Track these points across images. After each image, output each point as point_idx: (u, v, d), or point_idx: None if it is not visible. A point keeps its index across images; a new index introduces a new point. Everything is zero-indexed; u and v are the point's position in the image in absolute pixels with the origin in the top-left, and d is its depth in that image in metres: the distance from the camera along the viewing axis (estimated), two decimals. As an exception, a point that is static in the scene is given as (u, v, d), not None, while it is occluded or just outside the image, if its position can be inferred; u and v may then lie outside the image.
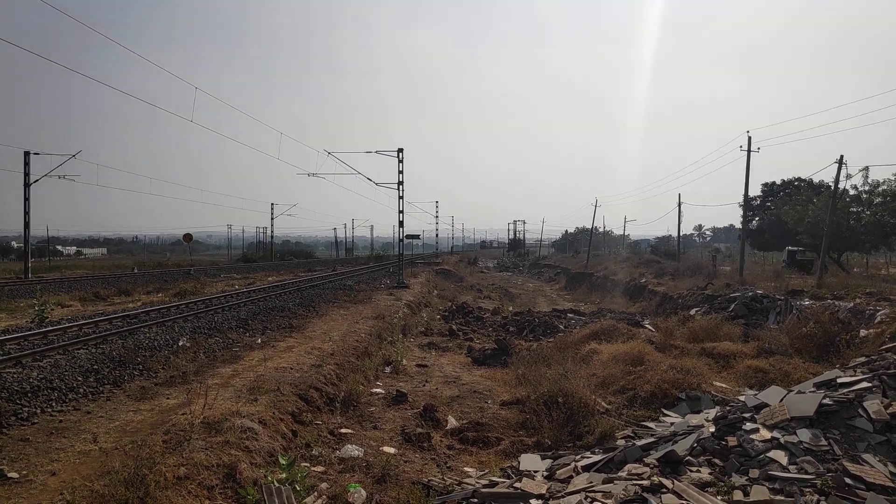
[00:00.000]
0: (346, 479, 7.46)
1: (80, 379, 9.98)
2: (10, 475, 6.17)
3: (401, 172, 34.09)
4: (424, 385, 13.26)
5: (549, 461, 7.50)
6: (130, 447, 6.70)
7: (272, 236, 79.23)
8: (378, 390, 12.40)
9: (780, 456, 5.85)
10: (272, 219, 73.92)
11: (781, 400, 6.95)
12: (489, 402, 11.96)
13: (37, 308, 17.06)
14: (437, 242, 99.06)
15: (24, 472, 6.28)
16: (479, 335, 20.92)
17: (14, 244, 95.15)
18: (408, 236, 45.18)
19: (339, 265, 59.96)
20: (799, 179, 48.92)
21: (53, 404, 8.75)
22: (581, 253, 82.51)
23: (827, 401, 6.53)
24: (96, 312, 19.34)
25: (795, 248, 38.31)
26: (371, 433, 9.74)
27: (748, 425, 6.61)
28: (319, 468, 7.84)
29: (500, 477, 7.21)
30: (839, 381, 7.25)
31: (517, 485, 6.20)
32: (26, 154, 35.14)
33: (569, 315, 25.48)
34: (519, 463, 7.63)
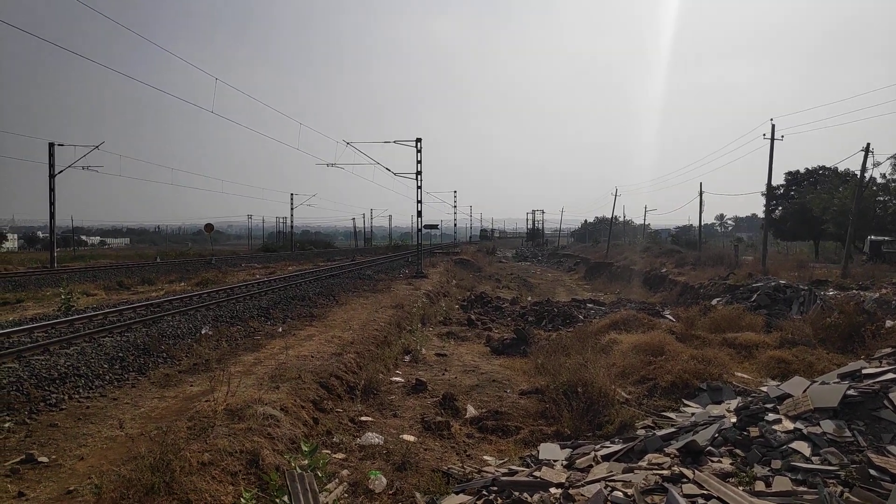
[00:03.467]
0: (367, 466, 7.53)
1: (105, 366, 10.18)
2: (40, 459, 6.33)
3: (419, 162, 34.08)
4: (444, 374, 13.30)
5: (568, 450, 7.50)
6: (156, 433, 6.83)
7: (292, 226, 79.72)
8: (398, 379, 12.47)
9: (803, 447, 5.80)
10: (292, 209, 74.40)
11: (805, 391, 6.87)
12: (508, 391, 11.98)
13: (63, 297, 17.39)
14: (455, 232, 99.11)
15: (54, 457, 6.44)
16: (497, 325, 20.92)
17: (40, 234, 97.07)
18: (426, 226, 45.24)
19: (358, 255, 60.25)
20: (823, 167, 48.04)
21: (80, 391, 8.94)
22: (600, 242, 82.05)
23: (851, 392, 6.45)
24: (120, 301, 19.66)
25: (881, 239, 34.73)
26: (391, 421, 9.81)
27: (770, 416, 6.55)
28: (340, 455, 7.93)
29: (519, 465, 7.23)
30: (864, 372, 7.15)
31: (537, 473, 6.21)
32: (51, 145, 35.64)
33: (588, 305, 25.38)
34: (538, 452, 7.64)
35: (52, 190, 35.75)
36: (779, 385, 7.74)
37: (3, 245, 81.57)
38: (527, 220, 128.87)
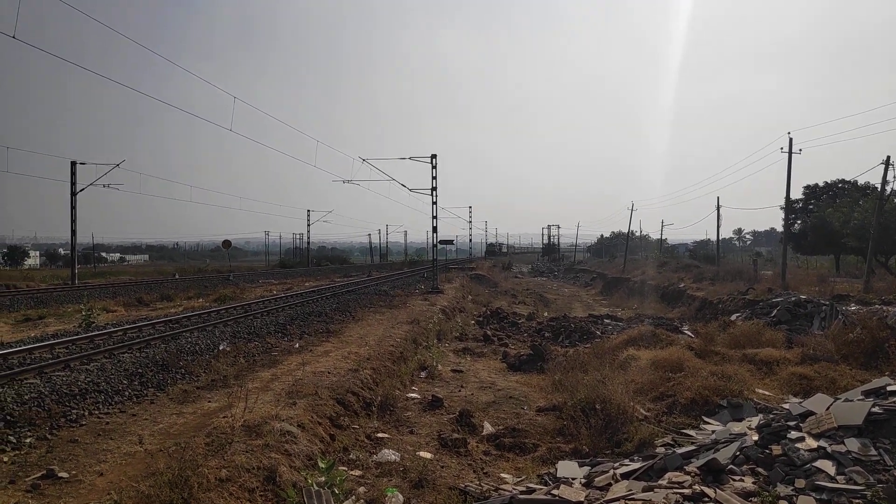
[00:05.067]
0: (384, 483, 7.50)
1: (125, 382, 10.26)
2: (60, 475, 6.38)
3: (434, 178, 34.19)
4: (460, 390, 13.25)
5: (586, 468, 7.42)
6: (174, 449, 6.86)
7: (308, 242, 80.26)
8: (414, 395, 12.44)
9: (827, 466, 5.69)
10: (308, 225, 74.90)
11: (828, 408, 6.75)
12: (525, 408, 11.89)
13: (84, 313, 17.62)
14: (470, 247, 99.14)
15: (74, 472, 6.49)
16: (514, 341, 20.82)
17: (61, 251, 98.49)
18: (441, 242, 45.28)
19: (374, 270, 60.42)
20: (843, 181, 47.45)
21: (100, 406, 9.02)
22: (617, 257, 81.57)
23: (876, 409, 6.33)
24: (140, 317, 19.86)
25: None
26: (407, 438, 9.78)
27: (793, 434, 6.45)
28: (357, 472, 7.90)
29: (537, 483, 7.16)
30: (889, 388, 7.02)
31: (555, 492, 6.15)
32: (73, 164, 36.25)
33: (605, 320, 25.19)
34: (556, 470, 7.57)
35: (73, 207, 36.30)
36: (801, 402, 7.62)
37: (25, 262, 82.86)
38: (542, 235, 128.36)
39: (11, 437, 7.44)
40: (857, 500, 5.10)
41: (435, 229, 35.88)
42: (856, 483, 5.37)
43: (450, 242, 66.93)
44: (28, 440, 7.43)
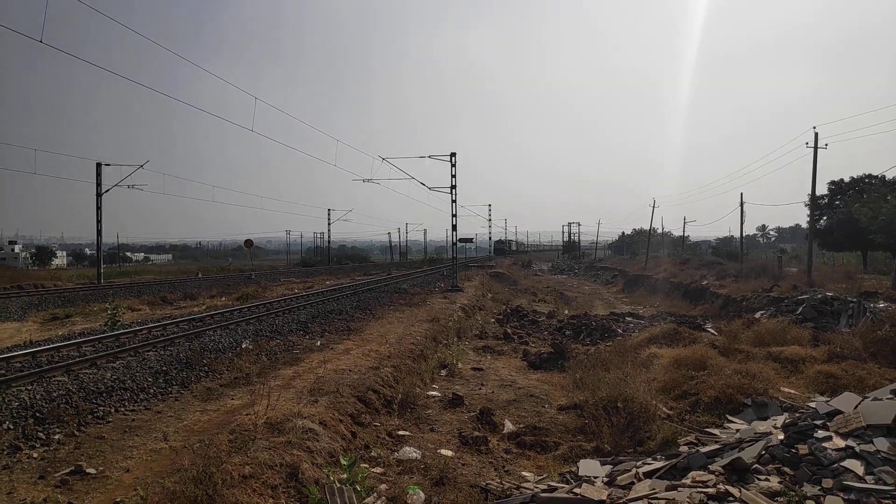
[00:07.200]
0: (405, 480, 7.52)
1: (150, 380, 10.42)
2: (88, 471, 6.50)
3: (454, 177, 34.19)
4: (480, 388, 13.24)
5: (608, 467, 7.37)
6: (198, 446, 6.94)
7: (329, 241, 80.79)
8: (434, 393, 12.45)
9: (855, 465, 5.59)
10: (329, 224, 75.42)
11: (856, 407, 6.63)
12: (546, 406, 11.85)
13: (109, 312, 17.90)
14: (490, 245, 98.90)
15: (101, 468, 6.60)
16: (534, 339, 20.75)
17: (87, 251, 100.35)
18: (461, 240, 45.33)
19: (394, 269, 60.61)
20: (870, 176, 46.54)
21: (126, 404, 9.16)
22: (639, 255, 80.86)
23: (906, 408, 6.20)
24: (164, 316, 20.14)
25: None
26: (428, 435, 9.79)
27: (820, 433, 6.34)
28: (378, 469, 7.93)
29: (558, 482, 7.13)
30: (919, 387, 6.88)
31: (577, 490, 6.12)
32: (98, 165, 36.81)
33: (627, 318, 25.01)
34: (578, 468, 7.53)
35: (98, 208, 36.86)
36: (828, 401, 7.50)
37: (52, 262, 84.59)
38: (563, 232, 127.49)
39: (41, 434, 7.60)
40: (886, 501, 5.00)
41: (454, 227, 35.90)
42: (885, 483, 5.27)
43: (469, 240, 66.97)
44: (56, 437, 7.58)
